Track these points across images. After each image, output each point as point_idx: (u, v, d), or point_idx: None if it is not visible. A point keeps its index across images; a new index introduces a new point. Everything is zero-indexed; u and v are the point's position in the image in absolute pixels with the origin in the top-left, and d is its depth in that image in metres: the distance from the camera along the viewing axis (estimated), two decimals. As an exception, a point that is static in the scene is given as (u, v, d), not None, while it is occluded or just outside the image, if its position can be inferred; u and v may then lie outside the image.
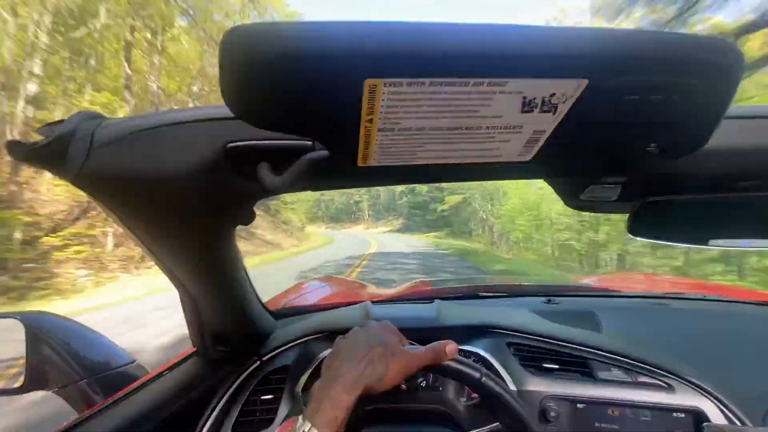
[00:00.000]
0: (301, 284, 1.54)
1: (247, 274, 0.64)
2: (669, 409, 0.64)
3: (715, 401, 0.63)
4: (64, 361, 0.64)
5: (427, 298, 1.02)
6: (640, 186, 0.51)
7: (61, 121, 0.34)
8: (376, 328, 0.51)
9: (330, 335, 0.81)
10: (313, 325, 0.82)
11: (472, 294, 1.15)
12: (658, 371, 0.68)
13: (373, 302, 0.98)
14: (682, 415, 0.64)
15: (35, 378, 0.64)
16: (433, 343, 0.50)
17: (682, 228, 0.55)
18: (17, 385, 0.64)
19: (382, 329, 0.51)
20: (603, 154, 0.39)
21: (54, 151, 0.33)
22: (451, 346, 0.50)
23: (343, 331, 0.81)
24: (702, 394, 0.64)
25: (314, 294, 1.41)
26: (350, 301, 1.05)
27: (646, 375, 0.68)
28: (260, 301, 0.77)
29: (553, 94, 0.26)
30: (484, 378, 0.51)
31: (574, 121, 0.29)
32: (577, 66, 0.24)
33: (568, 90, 0.26)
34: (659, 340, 0.82)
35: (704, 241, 0.52)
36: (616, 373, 0.70)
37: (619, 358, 0.71)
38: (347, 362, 0.44)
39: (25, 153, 0.33)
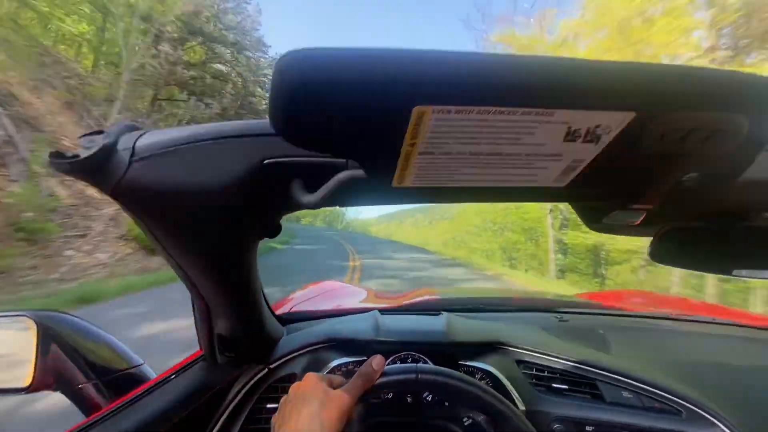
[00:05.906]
0: (305, 288, 1.53)
1: (260, 282, 0.64)
2: None
3: (726, 429, 0.62)
4: (73, 361, 0.63)
5: (435, 309, 1.02)
6: (666, 212, 0.50)
7: (100, 132, 0.33)
8: (297, 388, 0.50)
9: (339, 344, 0.80)
10: (322, 334, 0.82)
11: (479, 308, 1.14)
12: (668, 396, 0.67)
13: (380, 311, 0.97)
14: None
15: (43, 378, 0.63)
16: (359, 368, 0.50)
17: (704, 255, 0.54)
18: (25, 384, 0.63)
19: (303, 387, 0.49)
20: (637, 182, 0.39)
21: (96, 162, 0.33)
22: (376, 361, 0.50)
23: (353, 340, 0.81)
24: (712, 421, 0.63)
25: (319, 299, 1.41)
26: (357, 308, 1.05)
27: (656, 400, 0.67)
28: (269, 307, 0.76)
29: (599, 126, 0.26)
30: (420, 375, 0.50)
31: (614, 151, 0.29)
32: (625, 99, 0.24)
33: (614, 122, 0.26)
34: (668, 363, 0.81)
35: (728, 270, 0.51)
36: (626, 397, 0.69)
37: (629, 381, 0.70)
38: None
39: (67, 165, 0.32)
